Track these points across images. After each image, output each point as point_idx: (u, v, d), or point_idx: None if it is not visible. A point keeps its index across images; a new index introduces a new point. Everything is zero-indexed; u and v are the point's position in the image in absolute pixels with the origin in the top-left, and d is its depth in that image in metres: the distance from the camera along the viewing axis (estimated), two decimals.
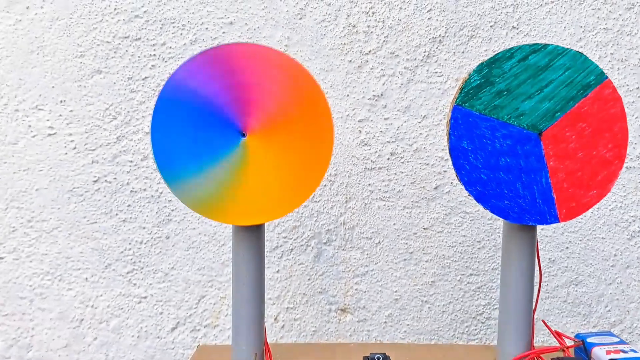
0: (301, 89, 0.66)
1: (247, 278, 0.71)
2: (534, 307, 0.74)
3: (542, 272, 1.07)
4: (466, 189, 0.68)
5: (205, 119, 0.65)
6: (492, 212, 0.68)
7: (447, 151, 0.70)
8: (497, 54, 0.68)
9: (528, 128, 0.68)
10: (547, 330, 0.94)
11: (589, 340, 0.74)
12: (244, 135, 0.66)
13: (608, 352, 0.69)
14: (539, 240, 1.07)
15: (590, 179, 0.68)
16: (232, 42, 1.00)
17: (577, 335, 0.76)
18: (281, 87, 0.66)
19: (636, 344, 1.10)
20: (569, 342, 0.75)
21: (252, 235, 0.71)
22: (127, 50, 1.01)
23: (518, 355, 0.71)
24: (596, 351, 0.71)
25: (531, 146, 0.68)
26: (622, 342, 0.73)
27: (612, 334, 0.76)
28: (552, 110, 0.68)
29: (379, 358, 0.64)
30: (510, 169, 0.68)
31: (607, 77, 0.68)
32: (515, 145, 0.68)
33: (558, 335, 0.74)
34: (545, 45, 0.68)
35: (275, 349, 0.78)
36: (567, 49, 0.68)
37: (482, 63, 0.68)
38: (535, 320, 0.80)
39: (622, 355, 0.69)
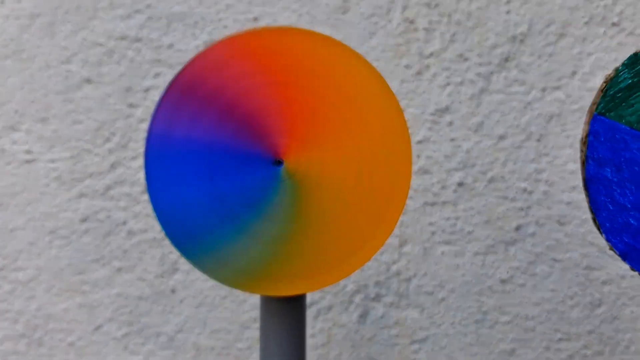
0: (373, 104, 0.48)
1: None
2: None
3: None
4: (607, 240, 0.50)
5: (228, 133, 0.47)
6: None
7: (581, 183, 0.53)
8: None
9: None
10: None
11: None
12: (280, 162, 0.46)
13: None
14: None
15: None
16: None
17: None
18: (345, 98, 0.48)
19: None
20: None
21: (288, 308, 0.53)
22: (124, 55, 0.90)
23: None
24: None
25: None
26: None
27: None
28: None
29: None
30: None
31: None
32: None
33: None
34: None
35: None
36: None
37: (635, 54, 0.49)
38: None
39: None
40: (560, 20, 0.89)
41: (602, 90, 0.49)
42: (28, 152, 0.89)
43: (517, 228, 0.90)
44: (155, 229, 0.88)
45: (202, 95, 0.46)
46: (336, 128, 0.47)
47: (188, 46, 0.88)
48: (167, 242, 0.87)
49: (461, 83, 0.90)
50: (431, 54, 0.89)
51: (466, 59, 0.89)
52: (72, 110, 0.89)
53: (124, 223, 0.89)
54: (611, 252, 0.54)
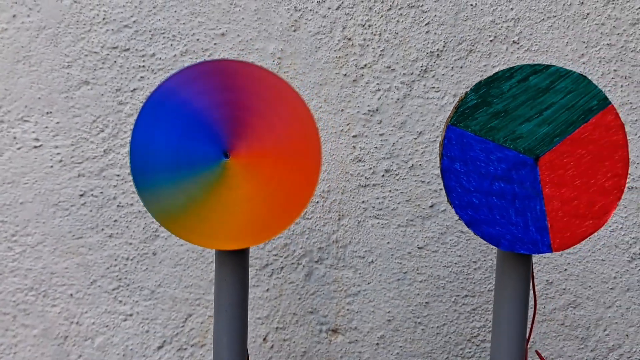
0: (293, 116, 0.64)
1: (228, 304, 0.68)
2: (527, 336, 0.71)
3: (539, 294, 1.04)
4: (457, 213, 0.65)
5: (190, 132, 0.63)
6: (482, 238, 0.65)
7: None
8: (497, 73, 0.66)
9: (524, 152, 0.65)
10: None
11: None
12: (227, 156, 0.63)
13: None
14: (536, 261, 1.04)
15: (587, 208, 0.65)
16: (229, 57, 0.99)
17: None
18: (273, 112, 0.63)
19: None
20: None
21: (234, 260, 0.68)
22: (115, 61, 0.99)
23: None
24: None
25: (527, 171, 0.65)
26: None
27: None
28: (551, 135, 0.65)
29: None
30: (503, 195, 0.65)
31: (610, 103, 0.66)
32: (510, 170, 0.65)
33: None
34: (548, 66, 0.65)
35: None
36: (571, 71, 0.65)
37: (479, 82, 0.66)
38: (529, 348, 0.77)
39: None
40: (470, 39, 1.02)
41: (455, 108, 0.67)
42: (36, 139, 0.99)
43: (432, 206, 1.03)
44: (140, 203, 1.00)
45: (175, 103, 0.63)
46: (264, 133, 0.64)
47: (167, 55, 0.99)
48: (149, 214, 1.01)
49: (389, 89, 1.02)
50: (365, 66, 1.02)
51: (393, 70, 1.02)
52: (72, 106, 0.99)
53: (115, 198, 1.00)
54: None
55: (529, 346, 0.74)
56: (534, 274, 0.71)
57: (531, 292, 0.75)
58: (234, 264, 0.68)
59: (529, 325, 0.88)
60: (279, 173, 0.63)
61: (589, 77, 1.02)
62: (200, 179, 0.62)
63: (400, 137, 1.03)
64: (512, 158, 0.66)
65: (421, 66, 1.02)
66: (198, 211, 0.62)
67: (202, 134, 0.63)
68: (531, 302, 0.86)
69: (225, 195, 0.63)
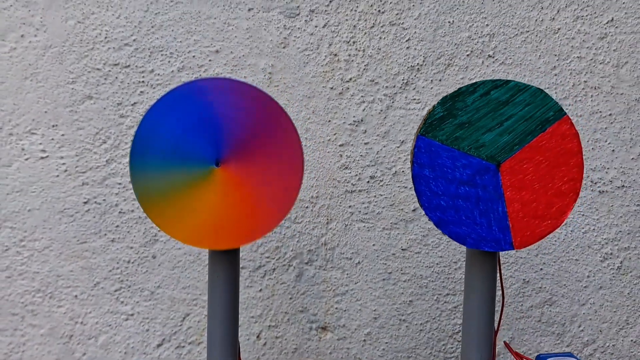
0: (273, 123, 0.70)
1: (220, 300, 0.74)
2: (496, 329, 0.77)
3: (516, 292, 1.11)
4: (426, 214, 0.71)
5: (193, 133, 0.69)
6: (450, 237, 0.71)
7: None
8: (461, 88, 0.72)
9: (487, 159, 0.72)
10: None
11: None
12: (218, 165, 0.70)
13: None
14: (513, 261, 1.10)
15: (545, 209, 0.72)
16: (223, 73, 1.05)
17: (538, 356, 0.79)
18: (254, 121, 0.70)
19: None
20: None
21: (226, 259, 0.74)
22: (117, 77, 1.06)
23: None
24: None
25: (489, 176, 0.72)
26: None
27: (572, 355, 0.80)
28: (511, 144, 0.72)
29: None
30: (468, 197, 0.72)
31: (565, 114, 0.72)
32: (475, 175, 0.72)
33: (518, 356, 0.77)
34: (508, 81, 0.72)
35: None
36: (529, 85, 0.72)
37: (445, 96, 0.72)
38: (499, 341, 0.83)
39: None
40: (448, 54, 1.09)
41: (424, 120, 0.73)
42: (43, 150, 1.05)
43: (414, 210, 1.09)
44: (141, 209, 1.07)
45: (192, 102, 0.69)
46: (253, 146, 0.70)
47: (165, 71, 1.05)
48: (149, 219, 1.07)
49: (372, 101, 1.08)
50: (350, 79, 1.08)
51: (376, 83, 1.08)
52: (77, 119, 1.05)
53: (116, 205, 1.06)
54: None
55: (498, 338, 0.80)
56: (502, 271, 0.76)
57: (499, 286, 0.81)
58: (225, 263, 0.74)
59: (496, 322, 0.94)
60: (265, 181, 0.70)
61: (561, 88, 1.09)
62: (191, 179, 0.69)
63: (384, 146, 1.09)
64: (476, 165, 0.72)
65: (402, 79, 1.09)
66: (183, 208, 0.68)
67: (192, 149, 0.69)
68: (500, 297, 0.92)
69: (212, 199, 0.69)
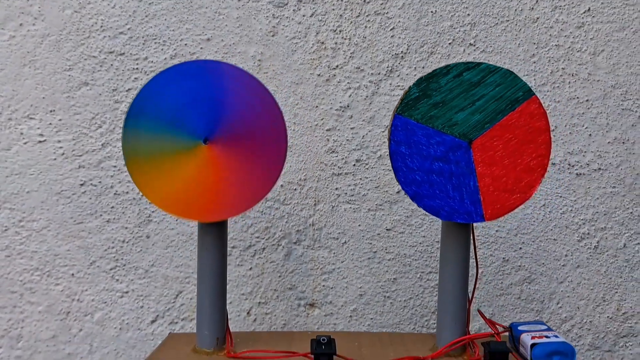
0: (261, 105, 0.75)
1: (209, 270, 0.79)
2: (470, 297, 0.81)
3: (496, 271, 1.15)
4: (403, 189, 0.76)
5: (176, 121, 0.73)
6: (425, 210, 0.76)
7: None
8: (435, 70, 0.76)
9: (460, 137, 0.76)
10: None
11: (519, 328, 0.82)
12: (205, 142, 0.74)
13: (533, 338, 0.77)
14: (493, 240, 1.15)
15: (515, 184, 0.76)
16: (205, 58, 1.09)
17: (511, 324, 0.83)
18: (243, 103, 0.74)
19: (586, 338, 1.18)
20: (501, 330, 0.83)
21: (214, 231, 0.79)
22: (112, 64, 1.10)
23: (453, 341, 0.79)
24: (523, 337, 0.78)
25: (462, 153, 0.76)
26: (549, 329, 0.81)
27: (542, 323, 0.84)
28: (482, 122, 0.76)
29: (323, 340, 0.72)
30: (442, 173, 0.76)
31: (534, 94, 0.76)
32: (448, 152, 0.76)
33: (491, 323, 0.81)
34: (479, 64, 0.76)
35: (238, 336, 0.86)
36: (499, 67, 0.76)
37: (421, 77, 0.76)
38: (473, 310, 0.87)
39: (544, 340, 0.76)
40: (431, 42, 1.13)
41: (401, 99, 0.77)
42: (40, 135, 1.09)
43: (398, 192, 1.13)
44: (135, 191, 1.11)
45: (176, 90, 0.73)
46: (239, 124, 0.75)
47: (159, 59, 1.09)
48: (143, 200, 1.11)
49: (358, 88, 1.12)
50: (337, 67, 1.12)
51: (362, 70, 1.12)
52: (73, 104, 1.09)
53: (112, 187, 1.10)
54: None
55: (474, 308, 0.85)
56: (476, 243, 0.80)
57: (473, 257, 0.85)
58: (214, 235, 0.79)
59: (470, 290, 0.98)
60: (251, 157, 0.74)
61: (540, 75, 1.13)
62: (178, 150, 0.73)
63: (370, 130, 1.13)
64: (449, 142, 0.76)
65: (387, 67, 1.13)
66: (166, 176, 0.72)
67: (184, 124, 0.73)
68: (475, 269, 0.96)
69: (195, 173, 0.73)
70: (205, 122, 0.74)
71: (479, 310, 0.83)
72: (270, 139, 0.75)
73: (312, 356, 0.72)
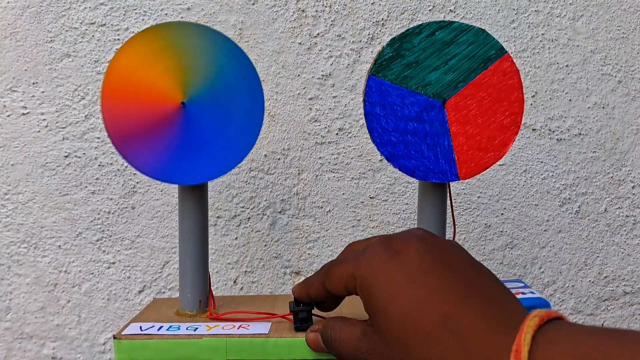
0: (235, 66, 0.75)
1: (190, 233, 0.79)
2: None
3: (478, 237, 1.17)
4: (378, 150, 0.76)
5: (150, 93, 0.74)
6: (400, 170, 0.77)
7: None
8: (408, 29, 0.77)
9: (433, 97, 0.77)
10: None
11: None
12: (184, 104, 0.75)
13: None
14: (475, 207, 1.16)
15: (488, 142, 0.77)
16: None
17: None
18: (216, 65, 0.75)
19: (569, 302, 1.20)
20: None
21: (194, 195, 0.79)
22: (93, 36, 1.10)
23: None
24: None
25: (436, 113, 0.77)
26: (525, 286, 0.82)
27: (521, 281, 0.85)
28: (456, 81, 0.77)
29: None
30: (417, 133, 0.77)
31: (506, 52, 0.77)
32: (422, 112, 0.77)
33: None
34: (451, 22, 0.77)
35: (221, 300, 0.87)
36: (471, 25, 0.77)
37: (394, 38, 0.77)
38: None
39: (520, 296, 0.78)
40: (411, 9, 1.14)
41: (374, 60, 0.78)
42: (24, 107, 1.10)
43: (381, 160, 1.15)
44: (119, 162, 1.12)
45: (132, 70, 0.74)
46: (208, 83, 0.75)
47: (140, 29, 1.06)
48: (128, 171, 1.12)
49: (340, 56, 1.13)
50: (318, 35, 1.13)
51: (343, 38, 1.13)
52: (56, 76, 1.10)
53: (96, 158, 1.11)
54: None
55: None
56: (452, 202, 0.81)
57: (450, 217, 0.86)
58: (194, 198, 0.79)
59: None
60: (226, 124, 0.75)
61: (520, 40, 1.14)
62: (165, 127, 0.74)
63: (352, 99, 1.14)
64: (423, 102, 0.77)
65: (368, 34, 1.13)
66: (169, 154, 0.73)
67: (159, 90, 0.74)
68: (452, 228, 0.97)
69: (188, 137, 0.74)
70: (183, 85, 0.74)
71: None
72: (247, 100, 0.75)
73: (292, 317, 0.73)
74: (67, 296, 1.13)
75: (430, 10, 1.14)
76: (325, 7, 1.12)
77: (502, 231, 1.17)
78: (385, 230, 1.16)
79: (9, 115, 1.10)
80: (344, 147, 1.14)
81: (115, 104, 0.74)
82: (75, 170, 1.11)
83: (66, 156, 1.11)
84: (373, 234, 1.16)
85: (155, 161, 0.75)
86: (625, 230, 1.19)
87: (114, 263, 1.13)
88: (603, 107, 1.16)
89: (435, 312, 0.49)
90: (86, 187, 1.11)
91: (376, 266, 0.55)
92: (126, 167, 1.12)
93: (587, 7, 1.15)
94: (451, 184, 1.11)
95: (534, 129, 1.16)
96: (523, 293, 0.79)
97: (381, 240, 0.57)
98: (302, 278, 1.16)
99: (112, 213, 1.12)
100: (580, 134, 1.17)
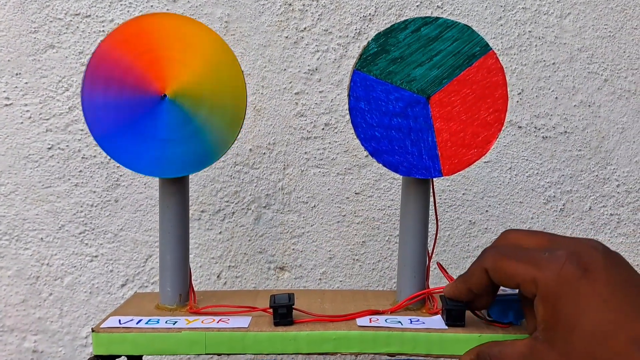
0: (218, 57, 0.75)
1: (171, 226, 0.79)
2: (430, 253, 0.83)
3: (463, 233, 1.17)
4: (362, 145, 0.76)
5: (130, 86, 0.73)
6: (384, 165, 0.76)
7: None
8: (393, 24, 0.76)
9: (418, 92, 0.77)
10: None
11: None
12: (164, 97, 0.74)
13: None
14: (460, 203, 1.16)
15: (472, 139, 0.77)
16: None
17: None
18: (200, 58, 0.74)
19: None
20: None
21: (175, 188, 0.79)
22: (78, 27, 1.09)
23: (412, 295, 0.80)
24: None
25: (420, 108, 0.77)
26: None
27: None
28: (440, 77, 0.77)
29: (282, 294, 0.73)
30: (401, 129, 0.77)
31: (491, 49, 0.77)
32: (406, 108, 0.77)
33: (450, 276, 0.83)
34: (437, 18, 0.77)
35: (203, 295, 0.86)
36: (456, 22, 0.76)
37: (379, 33, 0.76)
38: (433, 264, 0.88)
39: (501, 291, 0.78)
40: (399, 4, 1.13)
41: (360, 55, 0.78)
42: (7, 98, 1.08)
43: (367, 156, 1.14)
44: (102, 155, 1.11)
45: (117, 58, 0.73)
46: (190, 76, 0.75)
47: (124, 20, 1.08)
48: (111, 164, 1.11)
49: (326, 50, 1.13)
50: (305, 29, 1.12)
51: (330, 33, 1.12)
52: (39, 67, 1.08)
53: (79, 151, 1.10)
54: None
55: (433, 261, 0.86)
56: (436, 198, 0.81)
57: (433, 213, 0.86)
58: (174, 191, 0.79)
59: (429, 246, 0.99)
60: (211, 103, 0.74)
61: (507, 38, 1.14)
62: (144, 120, 0.73)
63: (338, 94, 1.13)
64: (408, 98, 0.77)
65: (355, 29, 1.13)
66: (148, 146, 0.72)
67: (140, 84, 0.73)
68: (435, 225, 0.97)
69: (169, 130, 0.73)
70: (164, 78, 0.74)
71: (438, 263, 0.84)
72: (229, 94, 0.75)
73: (271, 311, 0.73)
74: (49, 289, 1.12)
75: (417, 6, 1.13)
76: (313, 1, 1.11)
77: (486, 228, 1.17)
78: (371, 227, 1.15)
79: None
80: (329, 143, 1.14)
81: (96, 96, 0.73)
82: (58, 163, 1.10)
83: (49, 148, 1.10)
84: (358, 230, 1.15)
85: (135, 153, 0.75)
86: (609, 229, 1.19)
87: (96, 256, 1.12)
88: (589, 106, 1.17)
89: (628, 334, 0.51)
90: (69, 179, 1.11)
91: (566, 282, 0.56)
92: (109, 160, 1.11)
93: (574, 5, 1.15)
94: (436, 180, 1.12)
95: (519, 127, 1.16)
96: (504, 290, 0.79)
97: (569, 256, 0.58)
98: (287, 273, 1.15)
99: (95, 206, 1.11)
100: (565, 132, 1.17)
